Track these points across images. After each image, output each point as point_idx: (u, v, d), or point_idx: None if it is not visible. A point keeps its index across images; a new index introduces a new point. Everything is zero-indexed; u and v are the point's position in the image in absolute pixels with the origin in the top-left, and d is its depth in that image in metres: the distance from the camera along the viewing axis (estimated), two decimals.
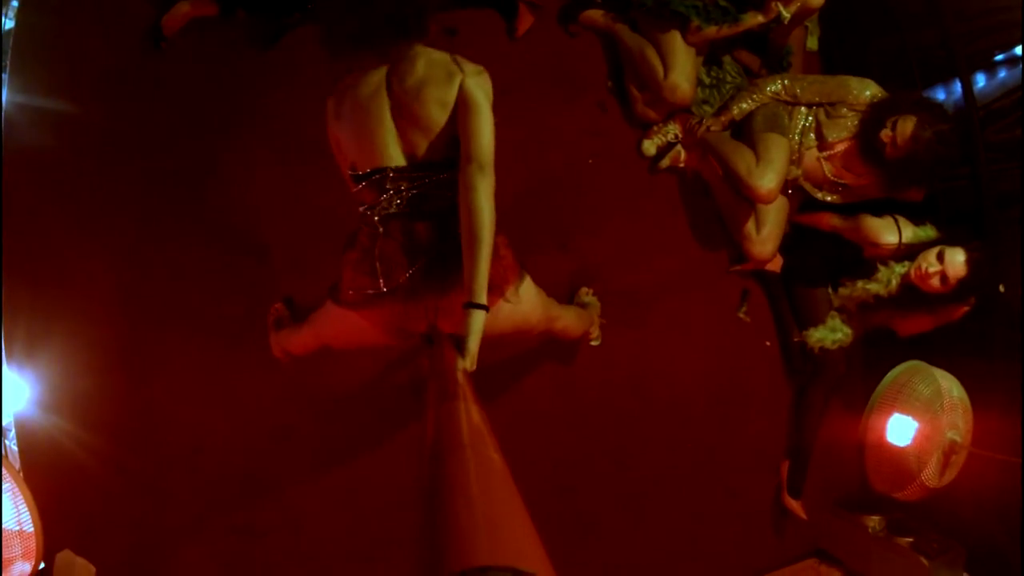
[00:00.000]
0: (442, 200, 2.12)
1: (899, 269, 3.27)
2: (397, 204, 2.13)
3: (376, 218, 2.14)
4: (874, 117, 3.20)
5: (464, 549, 0.94)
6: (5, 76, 3.05)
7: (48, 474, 3.05)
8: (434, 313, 2.15)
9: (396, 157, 2.14)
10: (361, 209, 2.22)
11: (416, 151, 2.14)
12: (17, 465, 3.04)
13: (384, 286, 2.12)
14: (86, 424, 3.18)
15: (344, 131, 2.23)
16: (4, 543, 2.47)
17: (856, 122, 3.30)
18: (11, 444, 3.06)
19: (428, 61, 2.14)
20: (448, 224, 2.10)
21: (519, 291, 2.26)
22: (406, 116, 2.13)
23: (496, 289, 2.12)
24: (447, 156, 2.13)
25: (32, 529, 2.59)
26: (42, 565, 2.69)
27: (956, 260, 3.06)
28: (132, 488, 3.26)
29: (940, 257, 3.10)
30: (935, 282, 3.10)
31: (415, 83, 2.12)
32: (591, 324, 3.46)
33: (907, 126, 3.07)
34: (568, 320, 2.91)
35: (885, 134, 3.11)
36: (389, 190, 2.13)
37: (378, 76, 2.16)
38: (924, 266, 3.13)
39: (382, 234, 2.13)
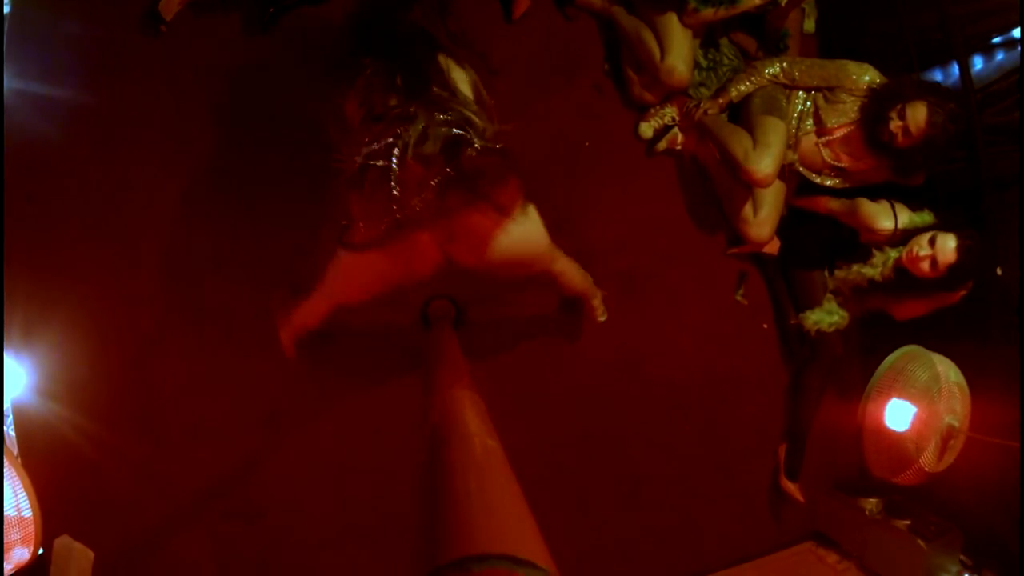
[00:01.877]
0: (458, 126, 2.08)
1: (894, 254, 3.27)
2: (419, 139, 2.03)
3: (393, 151, 2.02)
4: (877, 107, 3.18)
5: (461, 538, 0.95)
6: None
7: (46, 460, 3.06)
8: (447, 239, 2.18)
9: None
10: (371, 147, 2.08)
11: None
12: (15, 451, 3.04)
13: (398, 212, 2.04)
14: (83, 410, 3.18)
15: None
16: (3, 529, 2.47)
17: (856, 107, 3.29)
18: (9, 430, 3.06)
19: None
20: (457, 150, 2.05)
21: (526, 211, 2.26)
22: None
23: (504, 209, 2.14)
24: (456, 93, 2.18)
25: (31, 515, 2.59)
26: (41, 551, 2.70)
27: (947, 247, 3.06)
28: (129, 473, 3.26)
29: (932, 242, 3.10)
30: (925, 266, 3.10)
31: None
32: (591, 286, 3.36)
33: (919, 113, 3.06)
34: (566, 265, 2.90)
35: (895, 125, 3.10)
36: (412, 122, 2.04)
37: None
38: (915, 250, 3.13)
39: (396, 166, 2.03)
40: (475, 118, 2.11)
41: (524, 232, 2.24)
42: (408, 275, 2.30)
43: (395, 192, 2.02)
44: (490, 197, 2.10)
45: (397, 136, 2.04)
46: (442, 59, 2.29)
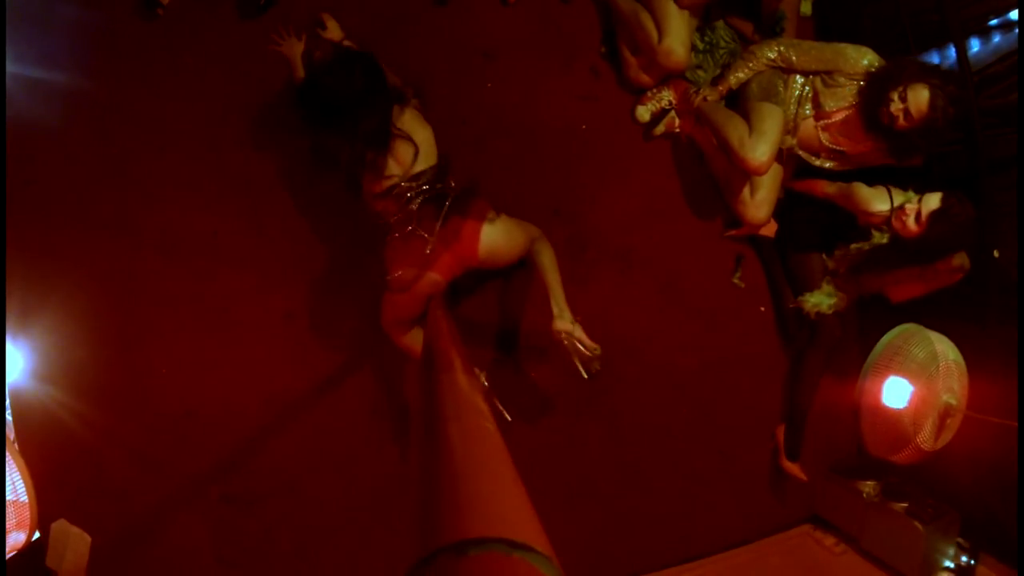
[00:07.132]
0: (436, 187, 3.08)
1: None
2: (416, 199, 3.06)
3: (412, 208, 3.05)
4: (877, 89, 3.17)
5: (457, 521, 0.94)
6: None
7: (42, 444, 3.06)
8: (451, 245, 3.03)
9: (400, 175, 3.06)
10: (394, 218, 3.08)
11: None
12: (11, 435, 3.04)
13: (429, 246, 3.02)
14: (80, 394, 3.19)
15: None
16: None
17: (854, 91, 3.28)
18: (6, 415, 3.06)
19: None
20: (441, 203, 3.05)
21: (497, 216, 3.11)
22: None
23: (479, 217, 3.06)
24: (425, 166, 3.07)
25: (27, 499, 2.59)
26: (37, 535, 2.70)
27: (930, 201, 3.11)
28: (126, 457, 3.27)
29: (919, 201, 3.13)
30: (911, 223, 3.12)
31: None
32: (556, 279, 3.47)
33: (921, 96, 3.05)
34: (542, 247, 3.28)
35: (896, 108, 3.09)
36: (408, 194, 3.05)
37: None
38: (904, 205, 3.17)
39: (415, 218, 3.05)
40: (440, 175, 3.10)
41: (497, 229, 3.09)
42: (433, 286, 3.10)
43: (423, 234, 3.04)
44: (467, 213, 3.05)
45: (408, 212, 3.06)
46: (404, 115, 3.05)
